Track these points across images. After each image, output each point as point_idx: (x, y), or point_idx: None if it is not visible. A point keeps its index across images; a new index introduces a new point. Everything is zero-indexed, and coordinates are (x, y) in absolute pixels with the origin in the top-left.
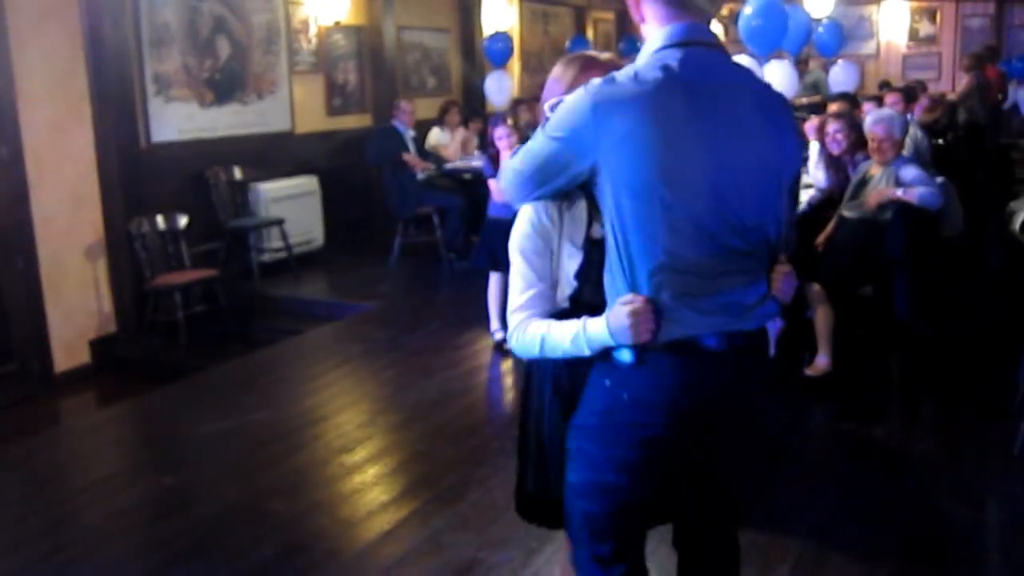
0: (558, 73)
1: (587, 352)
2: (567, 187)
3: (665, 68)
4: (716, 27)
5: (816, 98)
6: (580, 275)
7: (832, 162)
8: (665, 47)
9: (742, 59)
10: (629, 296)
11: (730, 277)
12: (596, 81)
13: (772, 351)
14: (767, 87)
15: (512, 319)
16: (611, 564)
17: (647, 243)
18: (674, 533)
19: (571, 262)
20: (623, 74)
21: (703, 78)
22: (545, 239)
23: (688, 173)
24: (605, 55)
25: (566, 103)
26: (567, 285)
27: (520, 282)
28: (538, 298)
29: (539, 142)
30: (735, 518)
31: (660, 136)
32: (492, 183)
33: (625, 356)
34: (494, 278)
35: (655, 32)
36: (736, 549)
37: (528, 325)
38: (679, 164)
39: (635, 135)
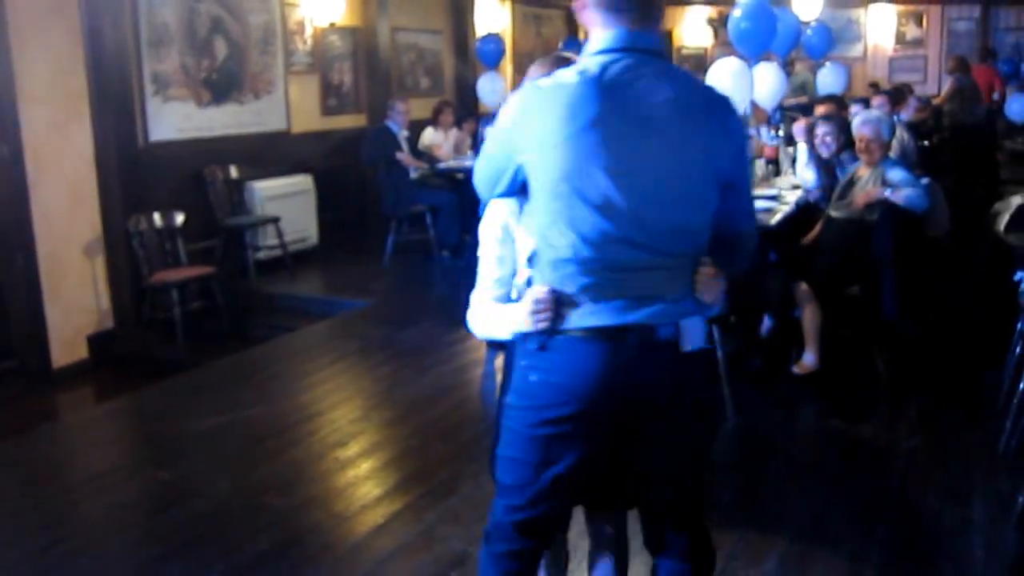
0: (533, 72)
1: (508, 336)
2: (512, 186)
3: (583, 72)
4: (706, 30)
5: (803, 99)
6: (532, 261)
7: (821, 163)
8: (596, 52)
9: (731, 61)
10: (536, 286)
11: (643, 274)
12: (525, 85)
13: (694, 345)
14: (703, 91)
15: (472, 301)
16: (513, 526)
17: (556, 238)
18: (643, 535)
19: (525, 250)
20: (548, 78)
21: (622, 82)
22: (505, 230)
23: (594, 173)
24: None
25: (503, 107)
26: (523, 271)
27: (483, 268)
28: (495, 283)
29: (487, 144)
30: (690, 518)
31: (568, 137)
32: None
33: (532, 341)
34: None
35: (593, 38)
36: (706, 552)
37: (479, 308)
38: (585, 164)
39: (546, 136)
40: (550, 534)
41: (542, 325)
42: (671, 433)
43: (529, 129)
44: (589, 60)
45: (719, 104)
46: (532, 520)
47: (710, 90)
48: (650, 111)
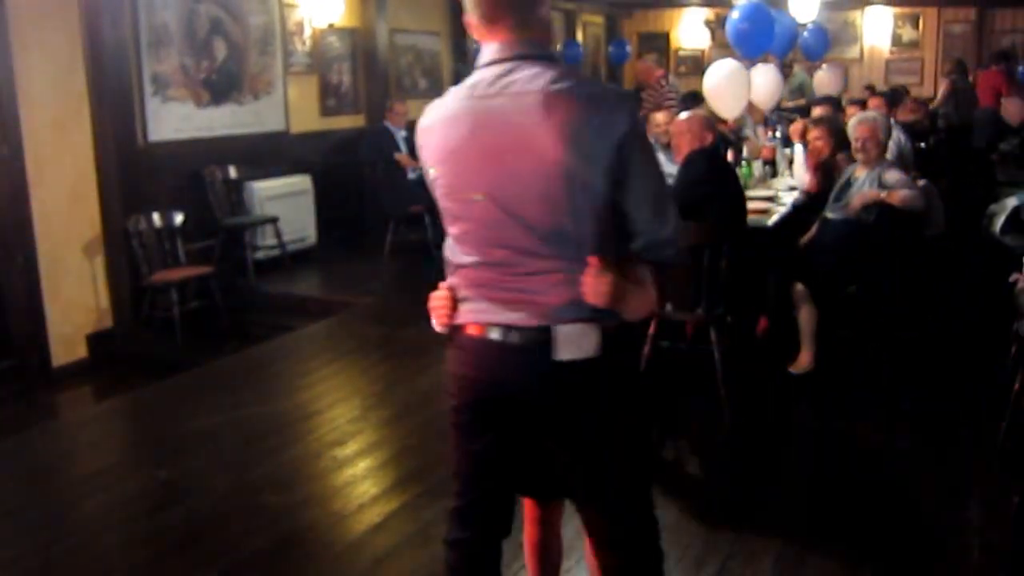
0: None
1: (441, 331)
2: None
3: (462, 87)
4: (703, 32)
5: (801, 101)
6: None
7: (818, 165)
8: (481, 66)
9: (728, 63)
10: (441, 285)
11: (523, 279)
12: (427, 106)
13: (578, 353)
14: (582, 88)
15: None
16: (454, 513)
17: (457, 243)
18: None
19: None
20: (440, 98)
21: (494, 92)
22: None
23: (476, 184)
24: None
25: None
26: None
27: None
28: None
29: None
30: (609, 513)
31: (451, 152)
32: None
33: (445, 335)
34: None
35: (481, 52)
36: (640, 547)
37: None
38: (467, 176)
39: (436, 152)
40: (489, 526)
41: (440, 323)
42: (562, 434)
43: (425, 148)
44: (474, 74)
45: (599, 99)
46: (465, 508)
47: (593, 86)
48: (520, 117)
